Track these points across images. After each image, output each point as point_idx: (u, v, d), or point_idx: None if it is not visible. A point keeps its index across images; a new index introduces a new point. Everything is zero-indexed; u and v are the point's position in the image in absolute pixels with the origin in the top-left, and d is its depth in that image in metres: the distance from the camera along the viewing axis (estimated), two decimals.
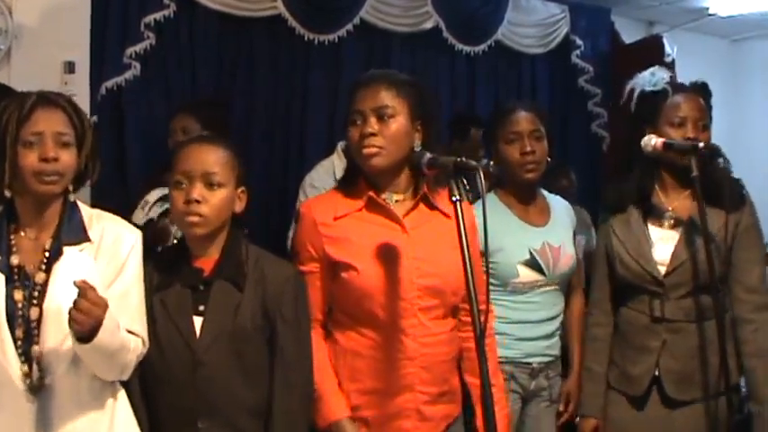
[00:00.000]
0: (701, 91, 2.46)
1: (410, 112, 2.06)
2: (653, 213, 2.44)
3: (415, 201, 2.12)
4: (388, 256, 2.05)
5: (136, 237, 1.90)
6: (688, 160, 2.25)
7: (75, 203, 1.87)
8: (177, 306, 1.93)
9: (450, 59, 5.13)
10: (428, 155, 1.95)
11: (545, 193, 2.67)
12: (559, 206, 2.68)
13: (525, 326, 2.48)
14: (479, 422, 2.14)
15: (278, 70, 4.47)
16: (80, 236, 1.83)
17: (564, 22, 5.50)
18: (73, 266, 1.79)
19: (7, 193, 1.80)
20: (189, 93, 4.17)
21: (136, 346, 1.82)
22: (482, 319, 1.71)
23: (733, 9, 5.73)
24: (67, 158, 1.79)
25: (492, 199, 2.53)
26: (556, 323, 2.56)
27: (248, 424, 1.95)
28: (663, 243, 2.41)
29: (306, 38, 4.45)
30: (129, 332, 1.80)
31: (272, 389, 1.95)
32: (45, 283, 1.78)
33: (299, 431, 1.97)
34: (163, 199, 3.00)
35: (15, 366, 1.74)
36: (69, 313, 1.62)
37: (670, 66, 5.08)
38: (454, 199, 1.78)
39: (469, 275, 1.72)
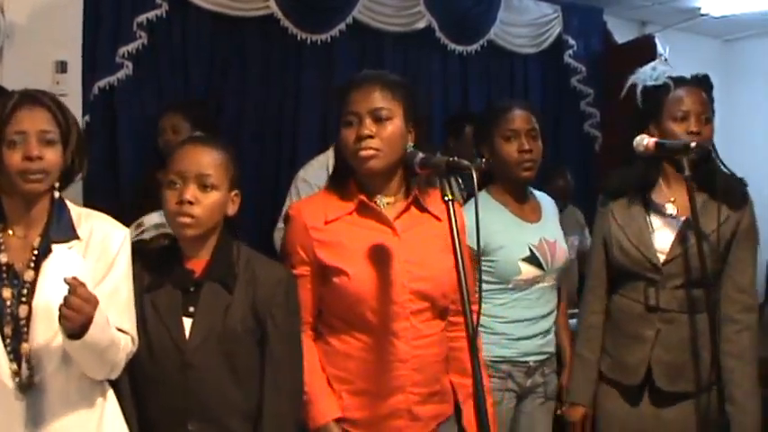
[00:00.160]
0: (703, 83, 2.46)
1: (404, 114, 2.05)
2: (655, 202, 2.44)
3: (406, 203, 2.11)
4: (379, 260, 2.04)
5: (124, 235, 1.90)
6: (681, 159, 2.24)
7: (62, 201, 1.86)
8: (167, 307, 1.93)
9: (442, 59, 5.14)
10: (420, 154, 1.94)
11: (530, 189, 2.67)
12: (546, 202, 2.69)
13: (522, 324, 2.48)
14: (465, 421, 2.16)
15: (270, 70, 4.46)
16: (69, 234, 1.83)
17: (556, 21, 5.52)
18: (62, 264, 1.78)
19: None
20: (181, 92, 4.16)
21: (126, 344, 1.82)
22: (474, 319, 1.70)
23: (725, 9, 5.75)
24: (52, 156, 1.78)
25: (485, 197, 2.53)
26: (551, 320, 2.57)
27: (239, 426, 1.94)
28: (663, 231, 2.41)
29: (298, 37, 4.45)
30: (119, 330, 1.80)
31: (262, 391, 1.94)
32: (34, 281, 1.77)
33: None
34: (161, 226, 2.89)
35: (4, 364, 1.73)
36: (60, 310, 1.61)
37: None
38: (446, 199, 1.77)
39: (462, 276, 1.71)
